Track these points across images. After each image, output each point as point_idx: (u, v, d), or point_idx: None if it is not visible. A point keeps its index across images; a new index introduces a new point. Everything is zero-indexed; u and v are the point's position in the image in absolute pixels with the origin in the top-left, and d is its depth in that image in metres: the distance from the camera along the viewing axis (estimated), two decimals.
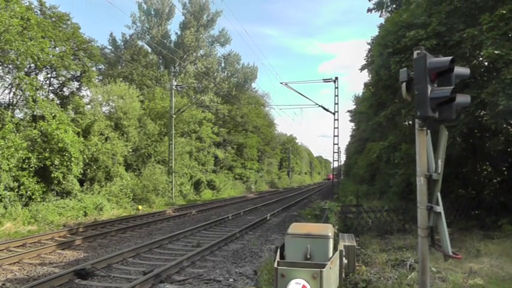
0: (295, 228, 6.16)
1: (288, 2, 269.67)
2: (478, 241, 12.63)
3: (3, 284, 9.40)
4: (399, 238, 14.42)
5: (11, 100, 21.96)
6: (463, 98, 5.85)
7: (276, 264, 5.32)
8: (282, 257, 5.95)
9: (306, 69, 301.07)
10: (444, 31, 14.00)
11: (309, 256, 5.74)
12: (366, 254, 11.64)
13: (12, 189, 18.66)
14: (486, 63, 14.63)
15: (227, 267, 11.37)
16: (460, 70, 5.92)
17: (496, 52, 11.89)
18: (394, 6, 22.15)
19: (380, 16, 23.57)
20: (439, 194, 5.68)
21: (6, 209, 17.84)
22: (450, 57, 5.53)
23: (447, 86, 5.57)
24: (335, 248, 6.25)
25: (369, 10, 23.19)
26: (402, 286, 8.21)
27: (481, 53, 12.90)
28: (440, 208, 5.56)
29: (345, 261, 6.61)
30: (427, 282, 5.75)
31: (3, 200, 18.01)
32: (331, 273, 5.34)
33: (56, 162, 20.38)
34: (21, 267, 11.04)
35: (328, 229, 6.10)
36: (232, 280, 9.90)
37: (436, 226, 5.70)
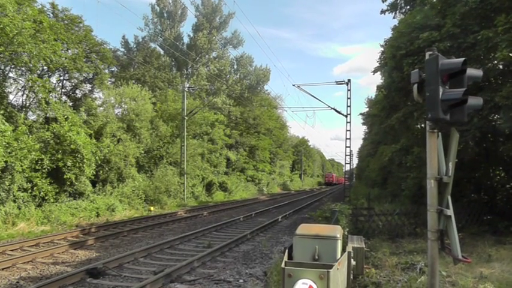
0: (304, 229, 6.15)
1: (306, 5, 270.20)
2: (489, 246, 12.48)
3: (17, 282, 9.54)
4: (410, 242, 14.33)
5: (24, 102, 22.20)
6: (475, 101, 5.76)
7: (283, 265, 5.32)
8: (291, 257, 5.95)
9: (321, 72, 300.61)
10: (458, 33, 13.84)
11: (317, 257, 5.73)
12: (376, 257, 11.57)
13: (25, 190, 18.89)
14: (501, 66, 14.43)
15: (237, 268, 11.39)
16: (473, 72, 5.84)
17: (511, 55, 11.76)
18: (408, 7, 21.95)
19: (394, 18, 23.41)
20: (449, 197, 5.63)
21: (20, 209, 18.08)
22: (462, 59, 5.45)
23: (459, 88, 5.50)
24: (343, 250, 6.23)
25: (383, 12, 22.97)
26: None
27: (496, 56, 12.74)
28: (450, 211, 5.51)
29: (353, 262, 6.59)
30: (436, 285, 5.72)
31: (17, 200, 18.25)
32: (339, 274, 5.33)
33: (69, 163, 20.57)
34: (35, 266, 11.18)
35: (336, 230, 6.08)
36: (242, 281, 9.92)
37: (446, 229, 5.65)
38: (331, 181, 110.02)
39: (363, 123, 64.36)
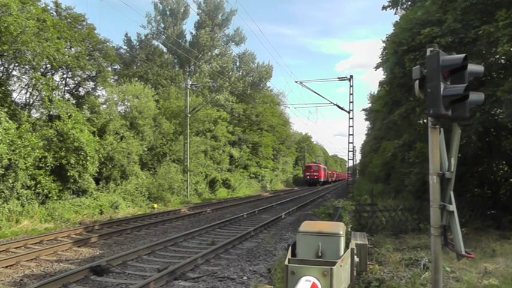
0: (307, 226, 6.16)
1: (308, 2, 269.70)
2: (493, 241, 12.47)
3: (21, 280, 9.56)
4: (414, 237, 14.31)
5: (28, 100, 22.28)
6: (476, 96, 5.74)
7: (286, 262, 5.33)
8: (294, 254, 5.97)
9: (324, 69, 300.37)
10: (459, 28, 13.79)
11: (320, 254, 5.74)
12: (379, 253, 11.57)
13: (29, 188, 18.93)
14: (502, 61, 14.40)
15: (241, 265, 11.40)
16: (474, 67, 5.82)
17: None
18: (409, 3, 21.90)
19: (395, 14, 23.33)
20: (452, 193, 5.62)
21: (23, 207, 18.12)
22: (463, 55, 5.43)
23: (460, 84, 5.49)
24: (347, 246, 6.24)
25: (384, 8, 22.90)
26: (415, 285, 8.15)
27: (497, 50, 12.70)
28: (453, 207, 5.50)
29: (356, 259, 6.59)
30: (440, 281, 5.71)
31: (20, 198, 18.29)
32: (342, 271, 5.34)
33: (72, 161, 20.60)
34: (38, 264, 11.22)
35: (339, 227, 6.08)
36: (246, 278, 9.93)
37: (449, 225, 5.65)
38: (316, 177, 71.64)
39: (366, 119, 64.14)
